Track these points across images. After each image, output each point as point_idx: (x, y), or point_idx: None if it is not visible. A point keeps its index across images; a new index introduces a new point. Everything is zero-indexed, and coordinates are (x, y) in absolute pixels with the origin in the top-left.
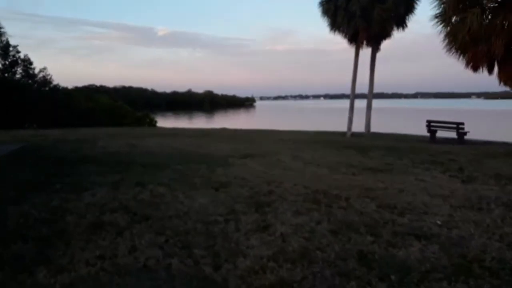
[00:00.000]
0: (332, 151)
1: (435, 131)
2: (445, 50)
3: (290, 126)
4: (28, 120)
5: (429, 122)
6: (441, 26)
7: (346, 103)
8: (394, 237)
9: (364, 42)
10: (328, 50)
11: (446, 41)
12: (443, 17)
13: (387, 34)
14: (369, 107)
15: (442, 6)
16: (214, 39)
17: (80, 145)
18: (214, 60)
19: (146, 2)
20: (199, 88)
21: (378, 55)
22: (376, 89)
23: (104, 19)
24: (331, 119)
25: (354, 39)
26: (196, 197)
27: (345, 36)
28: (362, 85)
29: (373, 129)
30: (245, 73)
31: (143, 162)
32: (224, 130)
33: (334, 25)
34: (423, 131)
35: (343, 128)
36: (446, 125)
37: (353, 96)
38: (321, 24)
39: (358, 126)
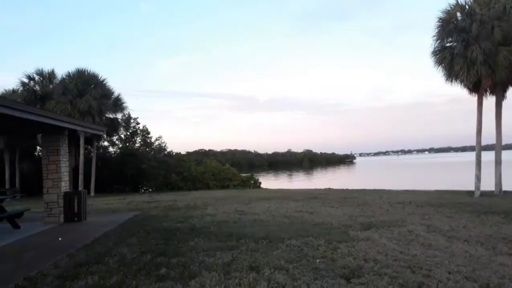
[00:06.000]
0: (470, 217)
1: None
2: None
3: (401, 185)
4: (144, 185)
5: None
6: None
7: (454, 156)
8: None
9: (488, 90)
10: (430, 102)
11: None
12: None
13: None
14: (498, 161)
15: None
16: (312, 100)
17: (190, 212)
18: (313, 120)
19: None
20: (298, 148)
21: (505, 103)
22: (506, 140)
23: (215, 90)
24: (445, 174)
25: (476, 88)
26: None
27: (465, 86)
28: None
29: (505, 187)
30: (344, 131)
31: (254, 235)
32: (330, 190)
33: (451, 75)
34: None
35: (463, 185)
36: None
37: (480, 149)
38: (421, 77)
39: (484, 183)
